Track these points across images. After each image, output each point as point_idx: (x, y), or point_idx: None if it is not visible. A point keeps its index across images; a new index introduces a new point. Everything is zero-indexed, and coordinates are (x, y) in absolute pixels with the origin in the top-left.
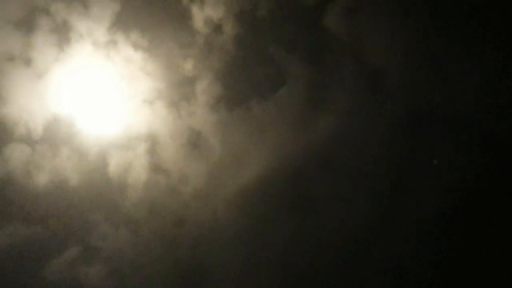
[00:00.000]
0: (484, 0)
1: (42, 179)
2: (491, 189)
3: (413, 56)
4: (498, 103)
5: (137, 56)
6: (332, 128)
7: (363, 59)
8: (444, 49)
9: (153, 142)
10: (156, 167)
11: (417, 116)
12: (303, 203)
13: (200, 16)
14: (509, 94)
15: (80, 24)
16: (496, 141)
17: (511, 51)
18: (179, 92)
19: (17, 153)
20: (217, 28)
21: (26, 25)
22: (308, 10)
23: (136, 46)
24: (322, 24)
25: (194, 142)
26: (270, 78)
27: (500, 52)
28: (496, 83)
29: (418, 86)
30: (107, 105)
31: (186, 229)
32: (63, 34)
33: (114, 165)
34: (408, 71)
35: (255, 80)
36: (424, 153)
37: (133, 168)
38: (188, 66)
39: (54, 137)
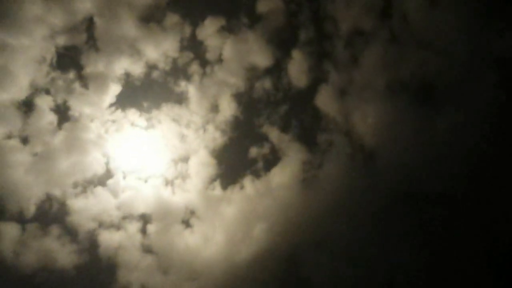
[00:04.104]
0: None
1: (30, 259)
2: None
3: (403, 136)
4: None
5: (134, 135)
6: (325, 207)
7: (355, 138)
8: (433, 129)
9: (145, 222)
10: (147, 248)
11: (409, 194)
12: (298, 284)
13: (197, 97)
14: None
15: (79, 104)
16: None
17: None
18: (174, 170)
19: (7, 232)
20: (213, 108)
21: (26, 104)
22: (301, 91)
23: (133, 125)
24: (314, 104)
25: (187, 221)
26: (264, 157)
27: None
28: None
29: (409, 164)
30: (101, 183)
31: None
32: (61, 114)
33: (104, 245)
34: (399, 150)
35: (249, 159)
36: (417, 230)
37: (124, 248)
38: (184, 145)
39: (45, 216)
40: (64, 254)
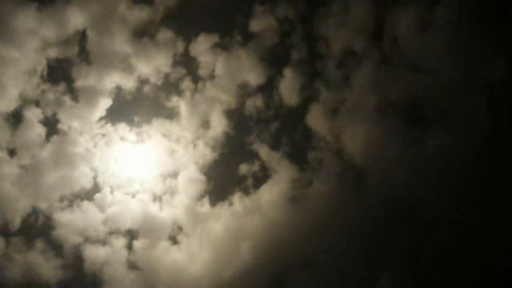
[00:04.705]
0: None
1: (14, 273)
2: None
3: (393, 155)
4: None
5: (123, 149)
6: (314, 225)
7: (345, 157)
8: (422, 149)
9: (132, 237)
10: (133, 264)
11: (398, 213)
12: None
13: (188, 113)
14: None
15: (69, 117)
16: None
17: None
18: (163, 185)
19: None
20: (204, 124)
21: (15, 116)
22: (292, 109)
23: (123, 140)
24: (305, 123)
25: (174, 237)
26: (254, 174)
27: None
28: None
29: (398, 184)
30: (88, 198)
31: None
32: (50, 126)
33: (90, 261)
34: (388, 170)
35: (239, 175)
36: (406, 249)
37: (109, 264)
38: (173, 160)
39: (31, 229)
40: (48, 269)
